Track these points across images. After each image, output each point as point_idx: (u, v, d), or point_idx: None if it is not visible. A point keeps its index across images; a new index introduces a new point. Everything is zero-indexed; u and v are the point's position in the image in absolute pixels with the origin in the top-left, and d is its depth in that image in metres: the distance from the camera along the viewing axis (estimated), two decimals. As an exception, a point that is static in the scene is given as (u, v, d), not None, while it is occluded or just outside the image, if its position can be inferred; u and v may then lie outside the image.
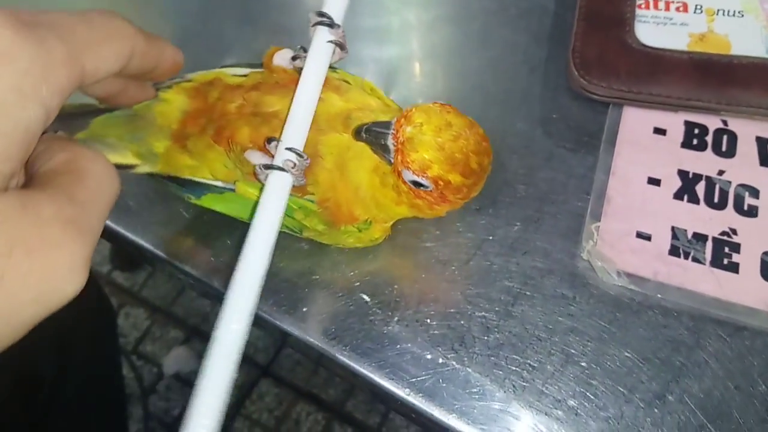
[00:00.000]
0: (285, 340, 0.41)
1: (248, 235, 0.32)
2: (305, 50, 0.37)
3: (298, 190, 0.36)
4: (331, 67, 0.39)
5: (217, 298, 0.41)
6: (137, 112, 0.37)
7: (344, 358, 0.39)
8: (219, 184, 0.38)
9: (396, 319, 0.39)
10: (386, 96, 0.40)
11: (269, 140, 0.35)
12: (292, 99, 0.36)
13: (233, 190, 0.38)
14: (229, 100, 0.37)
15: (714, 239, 0.40)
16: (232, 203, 0.39)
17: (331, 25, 0.36)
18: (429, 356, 0.38)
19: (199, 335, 1.20)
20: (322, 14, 0.36)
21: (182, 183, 0.39)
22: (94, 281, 0.67)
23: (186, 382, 1.17)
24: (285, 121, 0.36)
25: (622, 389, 0.37)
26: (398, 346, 0.39)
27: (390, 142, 0.34)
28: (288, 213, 0.38)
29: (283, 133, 0.35)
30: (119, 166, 0.37)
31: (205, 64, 0.49)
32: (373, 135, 0.35)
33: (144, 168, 0.38)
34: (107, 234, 0.45)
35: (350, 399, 1.14)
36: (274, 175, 0.34)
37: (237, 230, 0.42)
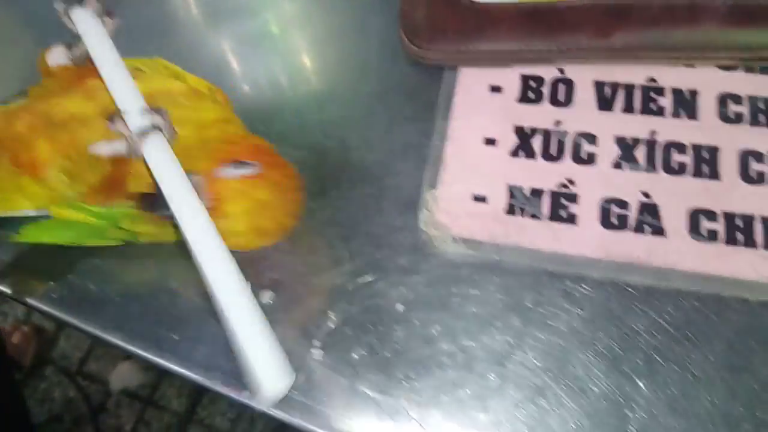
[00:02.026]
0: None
1: (175, 211, 0.31)
2: (75, 38, 0.35)
3: (119, 195, 0.35)
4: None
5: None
6: None
7: (179, 368, 0.38)
8: (31, 213, 0.36)
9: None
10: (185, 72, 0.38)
11: (111, 118, 0.33)
12: (85, 92, 0.35)
13: (47, 216, 0.36)
14: (12, 122, 0.35)
15: (551, 192, 0.39)
16: (60, 230, 0.37)
17: (80, 2, 0.35)
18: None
19: (143, 347, 1.18)
20: None
21: None
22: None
23: (135, 397, 1.15)
24: (81, 118, 0.34)
25: (463, 357, 0.36)
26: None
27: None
28: (116, 225, 0.37)
29: (124, 103, 0.33)
30: None
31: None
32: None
33: None
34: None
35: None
36: (151, 137, 0.32)
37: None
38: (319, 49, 0.47)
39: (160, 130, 0.32)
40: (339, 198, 0.41)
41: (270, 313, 0.37)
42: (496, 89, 0.42)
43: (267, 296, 0.38)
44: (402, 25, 0.43)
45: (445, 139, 0.41)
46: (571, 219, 0.38)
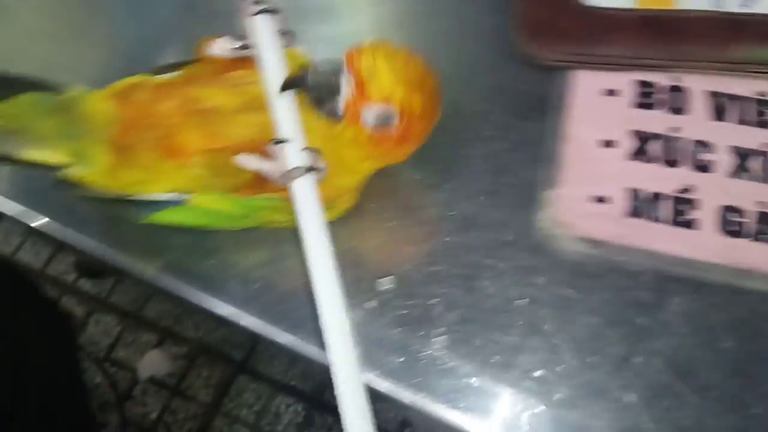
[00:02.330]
0: (255, 338, 0.40)
1: (307, 255, 0.32)
2: (242, 37, 0.36)
3: (263, 190, 0.35)
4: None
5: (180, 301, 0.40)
6: (66, 103, 0.35)
7: (309, 347, 0.38)
8: (168, 197, 0.37)
9: (359, 302, 0.38)
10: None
11: (273, 142, 0.34)
12: (233, 85, 0.36)
13: (184, 202, 0.37)
14: (161, 101, 0.35)
15: (671, 197, 0.39)
16: (196, 216, 0.38)
17: (274, 11, 0.35)
18: (394, 337, 0.38)
19: (172, 337, 1.18)
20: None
21: (128, 203, 0.37)
22: (47, 299, 0.65)
23: (162, 385, 1.15)
24: (229, 110, 0.35)
25: (588, 354, 0.36)
26: (362, 329, 0.38)
27: (344, 81, 0.33)
28: (253, 215, 0.38)
29: (286, 132, 0.33)
30: (45, 166, 0.35)
31: (142, 55, 0.48)
32: (323, 77, 0.33)
33: (76, 170, 0.36)
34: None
35: (328, 388, 1.13)
36: (305, 177, 0.33)
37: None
38: (432, 48, 0.47)
39: (314, 171, 0.33)
40: (454, 192, 0.42)
41: (391, 300, 0.38)
42: (611, 93, 0.43)
43: (388, 282, 0.39)
44: (520, 26, 0.44)
45: (561, 139, 0.41)
46: (691, 224, 0.38)
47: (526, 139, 0.43)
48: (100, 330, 1.20)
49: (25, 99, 0.35)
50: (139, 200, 0.37)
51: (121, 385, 1.15)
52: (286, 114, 0.34)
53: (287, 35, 0.36)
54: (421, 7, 0.49)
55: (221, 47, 0.36)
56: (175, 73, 0.37)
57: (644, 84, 0.43)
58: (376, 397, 0.38)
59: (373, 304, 0.38)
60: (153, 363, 1.15)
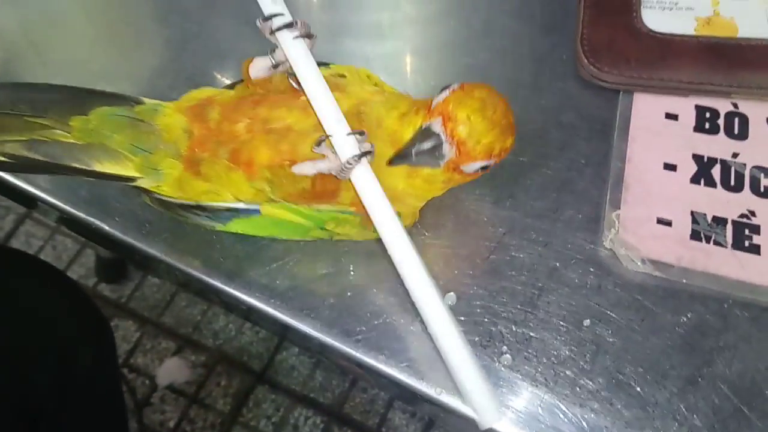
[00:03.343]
0: (322, 353, 0.40)
1: (381, 233, 0.34)
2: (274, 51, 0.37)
3: (330, 201, 0.36)
4: (324, 64, 0.38)
5: (220, 300, 0.40)
6: (140, 115, 0.36)
7: (370, 360, 0.38)
8: (242, 206, 0.37)
9: (419, 318, 0.39)
10: (384, 82, 0.40)
11: (318, 143, 0.34)
12: (302, 108, 0.36)
13: (257, 212, 0.37)
14: (233, 120, 0.36)
15: (733, 222, 0.40)
16: (266, 226, 0.39)
17: (290, 24, 0.36)
18: (456, 353, 0.38)
19: (191, 344, 1.18)
20: (271, 16, 0.36)
21: (203, 209, 0.38)
22: (93, 307, 0.65)
23: (180, 393, 1.14)
24: (298, 131, 0.36)
25: (654, 376, 0.36)
26: (424, 346, 0.38)
27: (446, 149, 0.33)
28: (320, 226, 0.38)
29: (330, 127, 0.34)
30: (117, 178, 0.36)
31: (203, 65, 0.48)
32: (426, 154, 0.33)
33: (144, 182, 0.37)
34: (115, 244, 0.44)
35: (348, 401, 1.13)
36: (362, 163, 0.34)
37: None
38: (490, 67, 0.48)
39: (368, 154, 0.34)
40: (514, 209, 0.42)
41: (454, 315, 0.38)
42: (671, 116, 0.43)
43: (449, 298, 0.39)
44: (582, 47, 0.44)
45: (625, 161, 0.42)
46: (755, 249, 0.39)
47: (588, 159, 0.43)
48: (119, 336, 1.20)
49: (102, 112, 0.36)
50: (214, 208, 0.37)
51: (139, 391, 1.15)
52: (326, 109, 0.34)
53: (311, 38, 0.37)
54: (479, 26, 0.50)
55: (258, 68, 0.37)
56: (242, 88, 0.38)
57: (705, 109, 0.43)
58: (435, 412, 0.38)
59: (435, 319, 0.39)
60: (172, 370, 1.15)
